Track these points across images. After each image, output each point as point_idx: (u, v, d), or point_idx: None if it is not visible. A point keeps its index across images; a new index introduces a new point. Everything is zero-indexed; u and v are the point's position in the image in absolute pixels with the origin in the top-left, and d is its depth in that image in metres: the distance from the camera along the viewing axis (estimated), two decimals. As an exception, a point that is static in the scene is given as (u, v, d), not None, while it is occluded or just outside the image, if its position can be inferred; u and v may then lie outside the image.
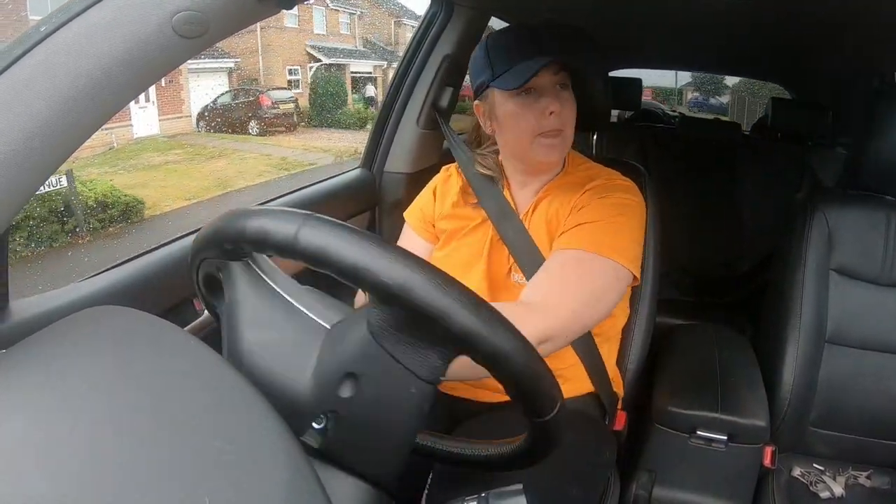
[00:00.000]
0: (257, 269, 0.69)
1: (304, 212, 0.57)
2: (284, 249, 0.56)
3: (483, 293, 1.26)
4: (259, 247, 0.60)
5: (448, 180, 1.40)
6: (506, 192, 1.32)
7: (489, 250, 1.29)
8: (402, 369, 0.60)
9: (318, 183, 1.84)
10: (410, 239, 1.41)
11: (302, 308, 0.66)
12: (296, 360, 0.63)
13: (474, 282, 1.27)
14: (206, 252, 0.67)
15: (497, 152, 1.33)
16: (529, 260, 1.24)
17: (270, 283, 0.68)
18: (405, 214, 1.44)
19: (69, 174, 4.75)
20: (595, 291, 1.11)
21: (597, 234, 1.15)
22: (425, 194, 1.43)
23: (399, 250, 0.56)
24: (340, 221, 0.57)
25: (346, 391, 0.60)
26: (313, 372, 0.62)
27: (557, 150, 1.22)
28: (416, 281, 0.54)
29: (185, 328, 1.19)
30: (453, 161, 1.43)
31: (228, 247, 0.62)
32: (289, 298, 0.67)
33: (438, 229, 1.38)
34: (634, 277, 1.16)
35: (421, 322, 0.56)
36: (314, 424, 0.61)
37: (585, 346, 1.29)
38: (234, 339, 0.66)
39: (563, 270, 1.12)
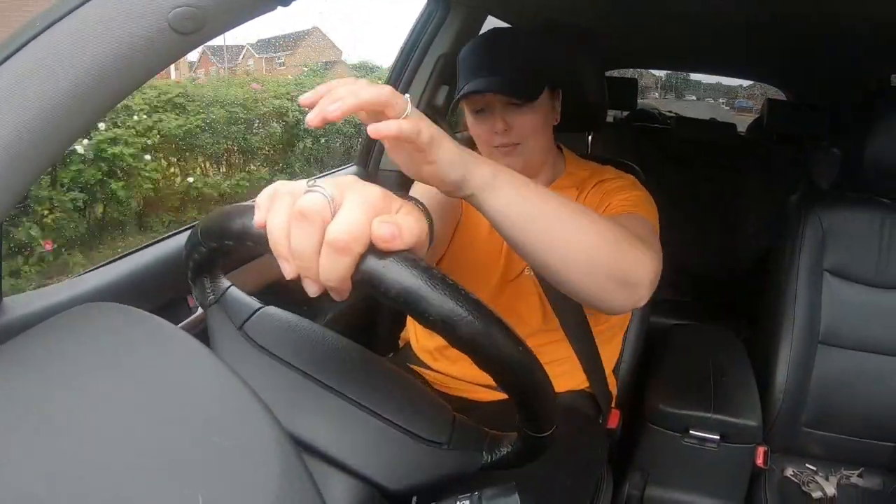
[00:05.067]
0: None
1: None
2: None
3: (494, 289, 1.27)
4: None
5: None
6: None
7: (506, 253, 1.28)
8: None
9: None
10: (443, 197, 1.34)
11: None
12: None
13: (492, 282, 1.28)
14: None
15: None
16: None
17: None
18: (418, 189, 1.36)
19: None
20: (652, 239, 1.04)
21: (631, 199, 1.16)
22: None
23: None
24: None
25: None
26: None
27: (515, 160, 1.22)
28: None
29: (179, 325, 1.19)
30: None
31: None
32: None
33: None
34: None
35: None
36: None
37: (583, 342, 1.29)
38: None
39: (636, 224, 1.05)
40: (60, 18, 0.55)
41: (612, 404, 1.44)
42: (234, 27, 0.65)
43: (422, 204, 0.59)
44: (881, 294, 1.64)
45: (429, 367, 1.37)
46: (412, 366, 1.39)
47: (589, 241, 0.79)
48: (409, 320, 1.42)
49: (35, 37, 0.55)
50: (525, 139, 1.20)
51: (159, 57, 0.60)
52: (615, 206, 1.17)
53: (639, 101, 3.61)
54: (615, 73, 3.87)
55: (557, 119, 1.28)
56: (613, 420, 1.42)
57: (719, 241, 2.96)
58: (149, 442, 0.47)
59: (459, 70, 1.23)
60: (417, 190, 1.34)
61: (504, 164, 1.19)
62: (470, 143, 1.45)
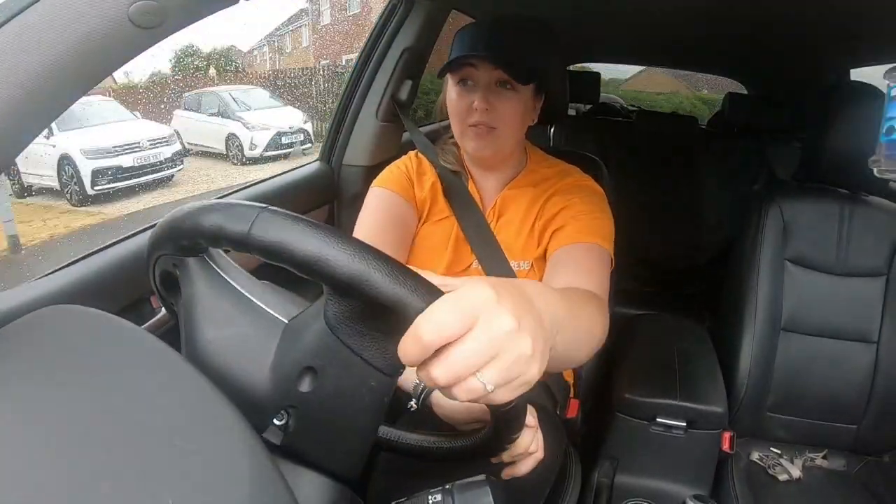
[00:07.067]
0: (213, 265, 0.67)
1: (258, 204, 0.56)
2: (239, 243, 0.55)
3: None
4: (215, 241, 0.58)
5: (420, 165, 1.37)
6: (470, 186, 1.32)
7: (453, 245, 1.29)
8: (361, 362, 0.58)
9: (275, 177, 1.81)
10: (397, 205, 1.31)
11: (259, 303, 0.65)
12: (254, 356, 0.61)
13: (437, 272, 1.26)
14: (163, 248, 0.65)
15: (457, 145, 1.33)
16: (490, 255, 1.26)
17: (226, 279, 0.66)
18: (380, 184, 1.34)
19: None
20: (605, 278, 1.14)
21: (591, 225, 1.19)
22: (400, 171, 1.36)
23: (355, 241, 0.53)
24: (295, 214, 0.55)
25: (305, 386, 0.58)
26: (272, 367, 0.60)
27: (486, 145, 1.22)
28: (371, 272, 0.51)
29: (143, 326, 1.17)
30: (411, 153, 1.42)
31: (185, 243, 0.61)
32: (245, 293, 0.65)
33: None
34: (612, 262, 1.20)
35: (379, 313, 0.53)
36: (275, 421, 0.59)
37: None
38: (192, 335, 0.64)
39: (588, 263, 1.15)
40: (19, 12, 0.54)
41: (571, 394, 1.44)
42: (196, 21, 0.64)
43: None
44: (840, 281, 1.68)
45: None
46: None
47: (592, 328, 0.89)
48: None
49: None
50: (501, 125, 1.20)
51: (119, 52, 0.59)
52: (572, 231, 1.20)
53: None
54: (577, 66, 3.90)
55: (534, 120, 1.28)
56: (573, 410, 1.43)
57: (682, 231, 3.01)
58: (116, 447, 0.46)
59: (456, 43, 1.23)
60: (397, 181, 1.33)
61: (473, 146, 1.22)
62: (433, 137, 1.44)
